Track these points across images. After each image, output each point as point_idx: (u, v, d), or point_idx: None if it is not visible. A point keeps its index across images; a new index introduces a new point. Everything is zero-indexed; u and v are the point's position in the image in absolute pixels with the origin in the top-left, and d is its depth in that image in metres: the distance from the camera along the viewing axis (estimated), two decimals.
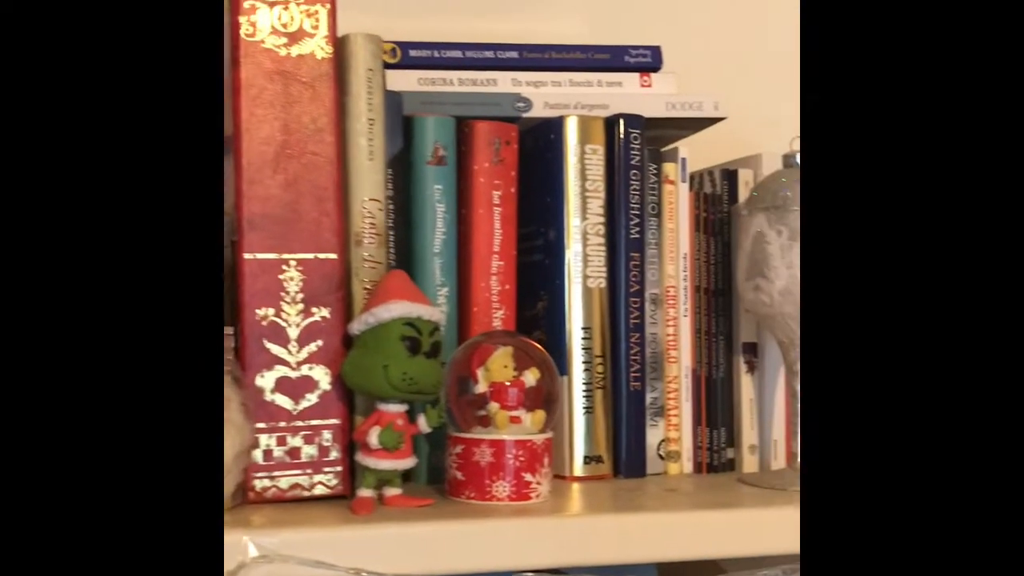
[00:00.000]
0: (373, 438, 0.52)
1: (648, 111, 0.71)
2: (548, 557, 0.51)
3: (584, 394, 0.66)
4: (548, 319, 0.67)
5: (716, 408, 0.71)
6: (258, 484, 0.53)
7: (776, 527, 0.56)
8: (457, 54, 0.68)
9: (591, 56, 0.71)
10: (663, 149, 0.72)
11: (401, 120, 0.64)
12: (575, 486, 0.63)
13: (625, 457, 0.67)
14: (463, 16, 0.83)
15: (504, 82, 0.69)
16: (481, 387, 0.57)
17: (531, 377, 0.58)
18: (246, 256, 0.54)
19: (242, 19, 0.54)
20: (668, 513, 0.55)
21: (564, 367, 0.66)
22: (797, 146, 0.67)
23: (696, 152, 0.80)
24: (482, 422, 0.57)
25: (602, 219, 0.67)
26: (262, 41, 0.54)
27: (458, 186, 0.65)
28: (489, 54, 0.69)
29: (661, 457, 0.69)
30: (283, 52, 0.55)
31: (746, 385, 0.72)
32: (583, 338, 0.66)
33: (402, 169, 0.63)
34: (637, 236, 0.68)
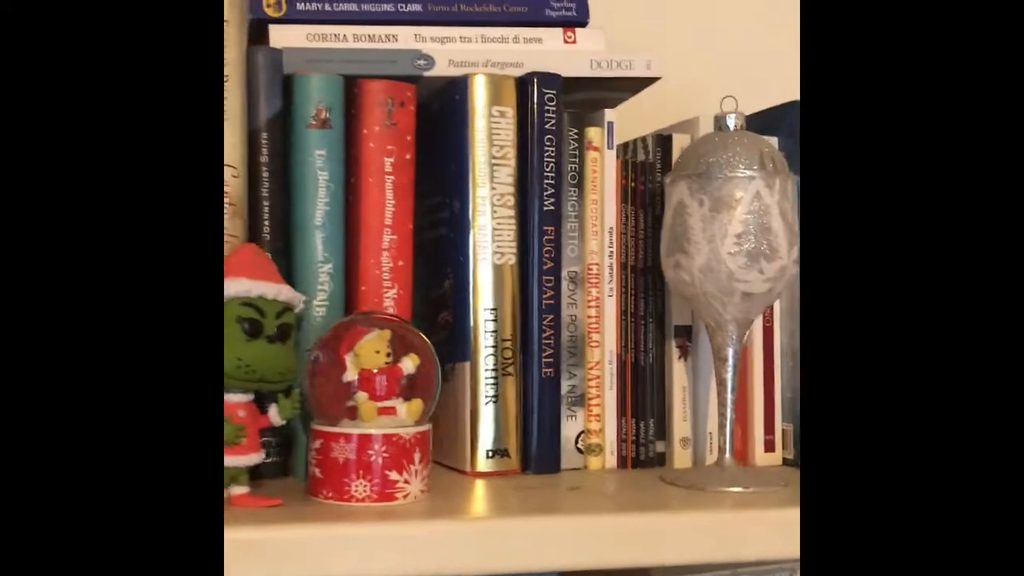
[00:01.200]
0: None
1: (570, 70, 0.64)
2: (400, 567, 0.45)
3: (490, 381, 0.60)
4: (454, 299, 0.61)
5: (644, 397, 0.64)
6: None
7: (681, 531, 0.50)
8: (352, 7, 0.62)
9: (506, 9, 0.65)
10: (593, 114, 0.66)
11: (280, 79, 0.58)
12: (474, 483, 0.57)
13: (536, 451, 0.61)
14: None
15: (406, 38, 0.62)
16: (350, 375, 0.51)
17: (410, 364, 0.52)
18: None
19: None
20: (551, 517, 0.49)
21: (468, 351, 0.60)
22: (729, 107, 0.60)
23: (637, 118, 0.73)
24: (351, 413, 0.51)
25: (511, 189, 0.61)
26: None
27: (346, 152, 0.59)
28: (388, 7, 0.63)
29: (580, 451, 0.63)
30: None
31: (678, 372, 0.65)
32: (489, 320, 0.60)
33: (281, 133, 0.58)
34: (552, 208, 0.62)
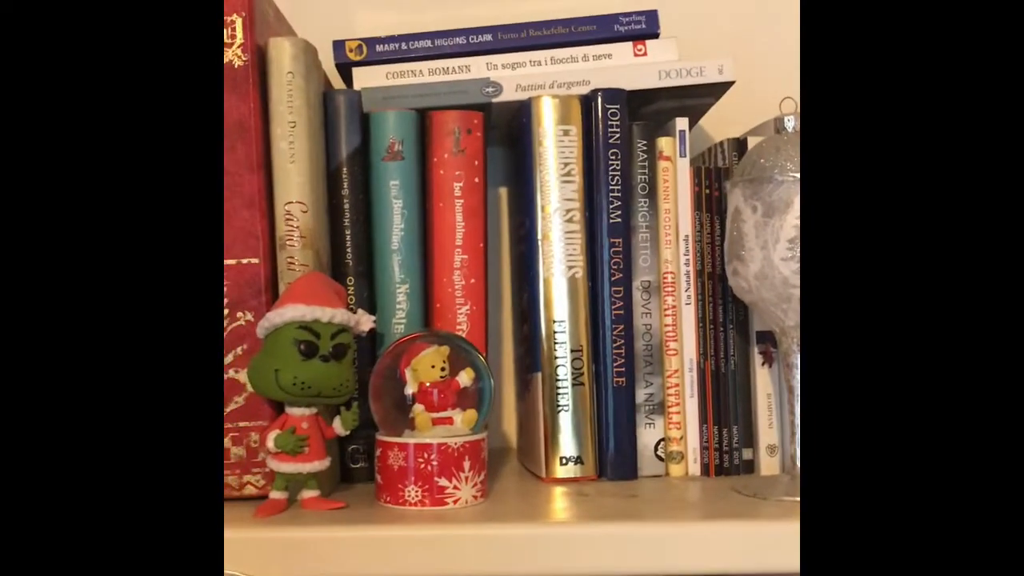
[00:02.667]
0: (270, 442, 0.52)
1: (638, 83, 0.65)
2: (414, 567, 0.49)
3: (562, 391, 0.62)
4: (530, 312, 0.64)
5: (727, 405, 0.64)
6: None
7: (699, 539, 0.49)
8: (426, 43, 0.66)
9: (574, 29, 0.67)
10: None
11: (358, 118, 0.63)
12: (544, 489, 0.60)
13: (611, 458, 0.63)
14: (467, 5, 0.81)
15: (479, 68, 0.66)
16: (410, 388, 0.55)
17: (465, 378, 0.56)
18: None
19: None
20: (572, 525, 0.50)
21: (539, 362, 0.63)
22: (788, 108, 0.59)
23: (723, 124, 0.73)
24: (412, 424, 0.55)
25: (578, 204, 0.63)
26: None
27: (419, 180, 0.63)
28: (460, 40, 0.66)
29: (660, 458, 0.64)
30: None
31: (762, 379, 0.64)
32: (558, 332, 0.62)
33: (360, 168, 0.63)
34: (619, 220, 0.63)
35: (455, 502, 0.53)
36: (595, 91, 0.64)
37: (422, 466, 0.53)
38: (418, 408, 0.55)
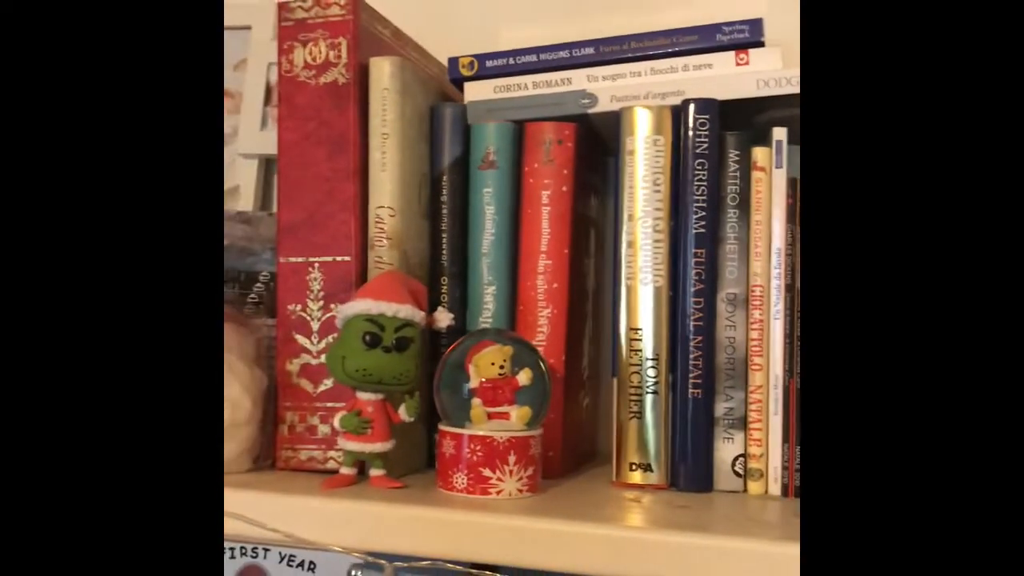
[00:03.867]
0: (336, 421, 0.58)
1: (735, 92, 0.64)
2: (454, 548, 0.52)
3: (634, 398, 0.63)
4: (612, 318, 0.66)
5: None
6: (283, 454, 0.63)
7: (713, 559, 0.49)
8: (531, 58, 0.69)
9: (676, 40, 0.67)
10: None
11: (462, 129, 0.68)
12: (606, 492, 0.61)
13: (683, 469, 0.62)
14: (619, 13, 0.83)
15: (579, 80, 0.68)
16: (472, 382, 0.59)
17: (524, 377, 0.59)
18: (281, 260, 0.63)
19: (282, 58, 0.64)
20: (583, 524, 0.51)
21: (615, 367, 0.64)
22: None
23: None
24: (470, 416, 0.59)
25: (663, 214, 0.63)
26: (297, 75, 0.63)
27: (512, 188, 0.67)
28: (564, 53, 0.69)
29: (738, 474, 0.63)
30: (312, 83, 0.63)
31: None
32: (635, 339, 0.63)
33: (460, 176, 0.67)
34: (703, 230, 0.63)
35: (498, 493, 0.56)
36: (686, 101, 0.64)
37: (469, 456, 0.56)
38: (476, 402, 0.58)
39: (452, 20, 0.88)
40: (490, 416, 0.58)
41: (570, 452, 0.68)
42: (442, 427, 0.58)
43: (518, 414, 0.58)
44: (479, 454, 0.56)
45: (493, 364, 0.59)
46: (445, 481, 0.57)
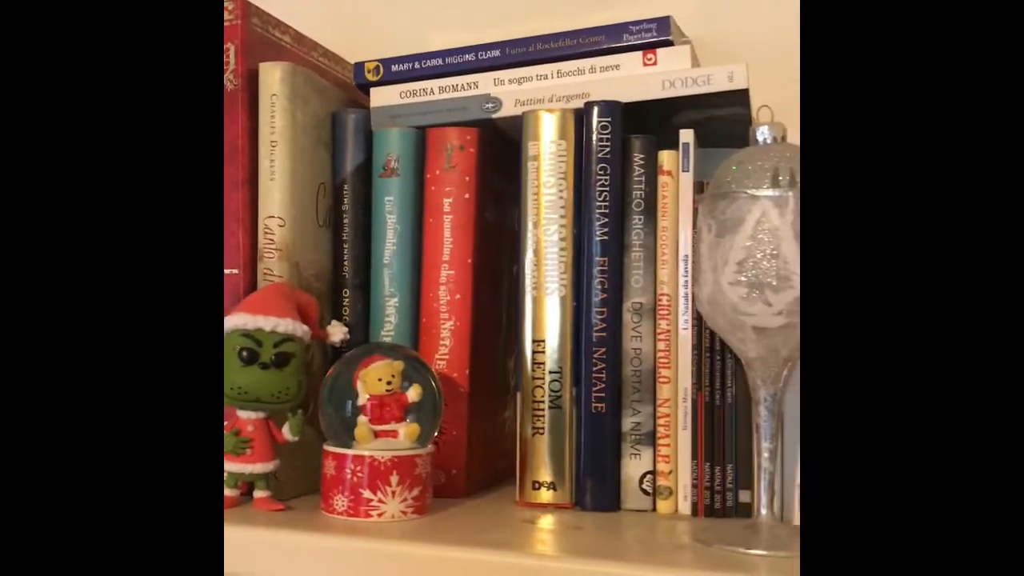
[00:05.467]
0: None
1: (640, 94, 0.62)
2: (327, 574, 0.50)
3: (538, 413, 0.60)
4: (517, 330, 0.63)
5: (723, 440, 0.59)
6: None
7: None
8: (437, 61, 0.67)
9: (582, 41, 0.64)
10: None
11: (364, 136, 0.66)
12: (504, 514, 0.58)
13: (587, 487, 0.60)
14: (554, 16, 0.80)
15: (486, 83, 0.66)
16: (361, 399, 0.57)
17: (413, 393, 0.56)
18: None
19: None
20: (446, 548, 0.48)
21: (519, 382, 0.61)
22: (765, 118, 0.53)
23: None
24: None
25: (565, 221, 0.61)
26: None
27: (414, 196, 0.64)
28: (469, 56, 0.66)
29: (646, 492, 0.60)
30: None
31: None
32: (538, 351, 0.61)
33: (362, 184, 0.65)
34: (606, 238, 0.60)
35: (380, 515, 0.54)
36: (588, 103, 0.61)
37: (349, 476, 0.54)
38: (361, 419, 0.56)
39: (381, 26, 0.86)
40: (377, 435, 0.56)
41: (480, 470, 0.65)
42: (326, 447, 0.56)
43: (406, 431, 0.56)
44: (359, 475, 0.54)
45: (380, 380, 0.56)
46: (327, 503, 0.55)
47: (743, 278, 0.49)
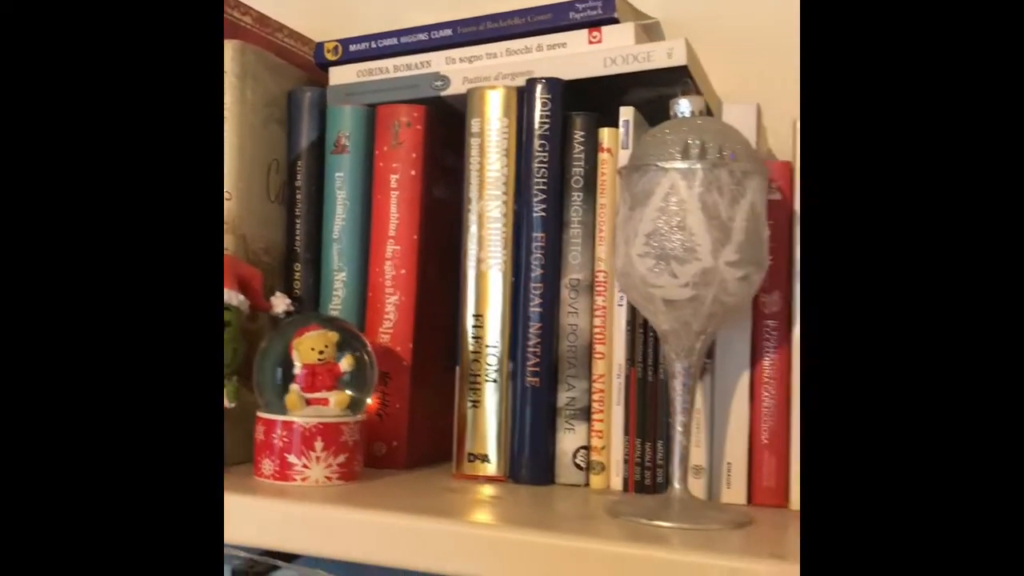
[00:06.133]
0: None
1: (583, 71, 0.62)
2: (251, 535, 0.51)
3: (473, 386, 0.61)
4: (457, 305, 0.64)
5: (654, 417, 0.59)
6: None
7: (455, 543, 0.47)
8: (392, 41, 0.68)
9: (530, 20, 0.65)
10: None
11: (318, 114, 0.67)
12: (434, 483, 0.59)
13: (519, 461, 0.60)
14: None
15: (438, 62, 0.67)
16: (296, 368, 0.58)
17: (346, 363, 0.58)
18: None
19: None
20: (357, 510, 0.50)
21: (457, 356, 0.62)
22: (686, 90, 0.53)
23: None
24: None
25: (506, 197, 0.61)
26: None
27: (364, 173, 0.66)
28: (423, 36, 0.67)
29: (579, 467, 0.60)
30: None
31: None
32: (475, 325, 0.61)
33: (316, 161, 0.67)
34: (544, 214, 0.60)
35: (303, 480, 0.55)
36: (531, 81, 0.62)
37: (276, 442, 0.55)
38: (293, 387, 0.57)
39: (353, 7, 0.87)
40: (309, 402, 0.57)
41: (426, 444, 0.66)
42: (258, 413, 0.58)
43: (336, 400, 0.57)
44: (286, 440, 0.55)
45: (314, 349, 0.57)
46: (257, 468, 0.57)
47: (651, 250, 0.50)
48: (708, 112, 0.53)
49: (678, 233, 0.49)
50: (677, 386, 0.52)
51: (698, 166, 0.49)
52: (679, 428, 0.52)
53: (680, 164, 0.49)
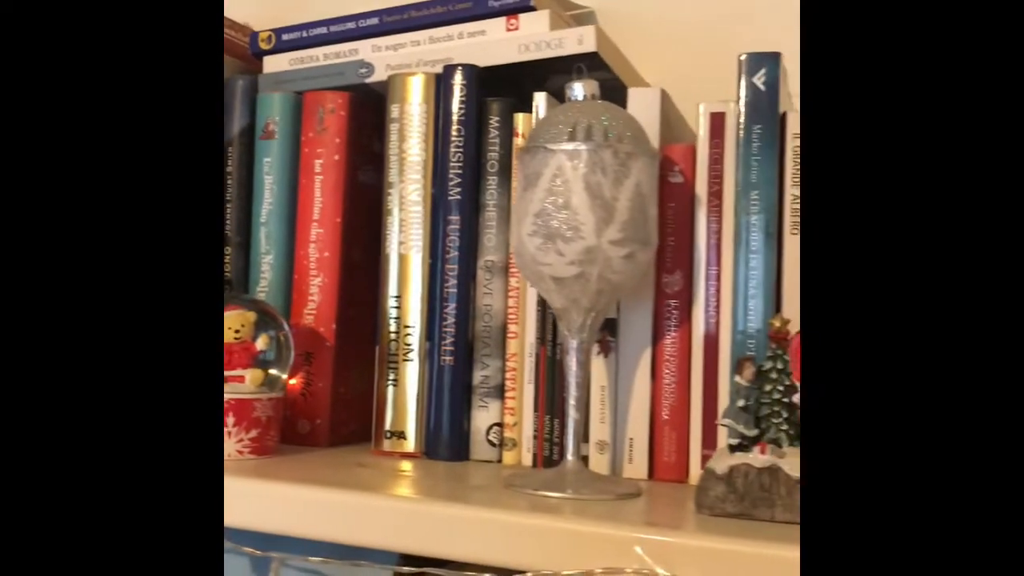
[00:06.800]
0: None
1: (500, 58, 0.64)
2: None
3: (391, 365, 0.63)
4: (378, 286, 0.65)
5: (560, 393, 0.60)
6: None
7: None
8: (322, 30, 0.70)
9: (452, 8, 0.66)
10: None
11: (249, 101, 0.69)
12: (349, 459, 0.61)
13: (434, 437, 0.62)
14: None
15: (366, 50, 0.68)
16: None
17: (261, 343, 0.59)
18: None
19: None
20: (270, 483, 0.51)
21: (378, 336, 0.64)
22: (579, 74, 0.55)
23: None
24: None
25: (424, 181, 0.63)
26: None
27: (291, 158, 0.67)
28: (351, 25, 0.69)
29: (492, 443, 0.62)
30: None
31: (598, 370, 0.59)
32: (393, 306, 0.63)
33: (246, 147, 0.69)
34: (459, 198, 0.62)
35: None
36: (448, 67, 0.63)
37: None
38: None
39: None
40: (226, 380, 0.59)
41: (351, 423, 0.67)
42: None
43: (251, 377, 0.59)
44: None
45: (230, 328, 0.59)
46: None
47: (539, 229, 0.51)
48: (606, 97, 0.55)
49: (563, 212, 0.50)
50: (571, 362, 0.54)
51: (583, 147, 0.50)
52: (572, 403, 0.54)
53: (566, 146, 0.51)
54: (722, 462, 0.47)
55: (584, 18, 0.76)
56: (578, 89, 0.54)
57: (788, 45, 0.63)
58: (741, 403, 0.48)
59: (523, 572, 0.45)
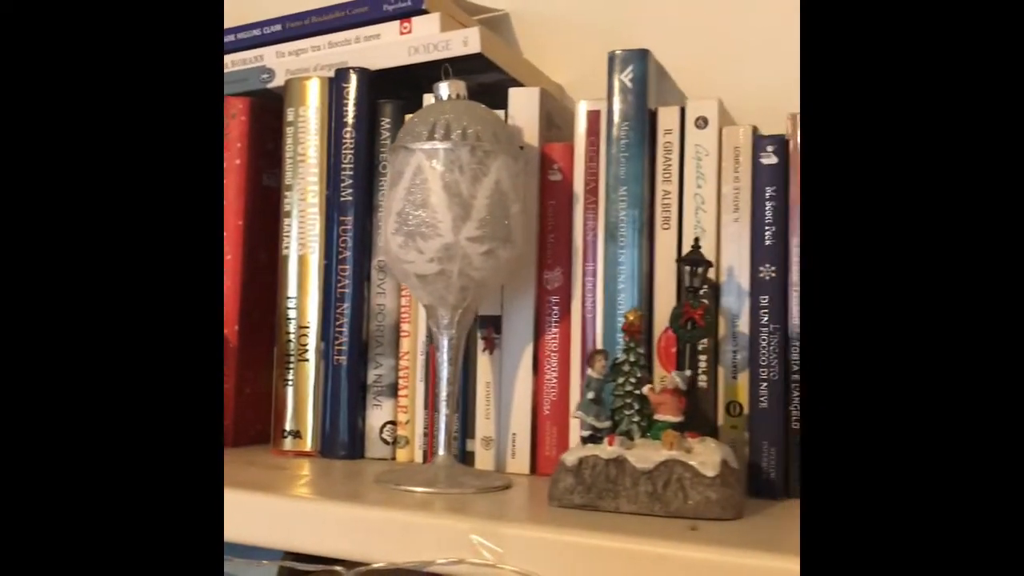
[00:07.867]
0: None
1: (389, 60, 0.65)
2: None
3: (289, 366, 0.64)
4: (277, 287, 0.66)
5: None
6: None
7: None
8: (230, 37, 0.71)
9: (349, 13, 0.67)
10: None
11: None
12: (253, 458, 0.62)
13: (334, 437, 0.63)
14: None
15: (270, 56, 0.70)
16: None
17: None
18: None
19: None
20: None
21: (276, 336, 0.65)
22: (445, 77, 0.56)
23: None
24: None
25: (317, 184, 0.64)
26: None
27: None
28: (256, 32, 0.70)
29: (385, 441, 0.63)
30: None
31: (483, 366, 0.60)
32: (291, 308, 0.64)
33: None
34: (349, 198, 0.63)
35: None
36: (339, 71, 0.64)
37: None
38: None
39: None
40: None
41: (257, 423, 0.68)
42: None
43: None
44: None
45: None
46: None
47: (400, 227, 0.52)
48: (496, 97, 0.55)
49: (421, 210, 0.51)
50: (442, 359, 0.54)
51: (440, 146, 0.51)
52: (443, 399, 0.55)
53: (424, 145, 0.52)
54: (573, 454, 0.48)
55: (496, 21, 0.77)
56: (443, 89, 0.55)
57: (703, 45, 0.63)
58: (591, 395, 0.49)
59: (367, 564, 0.45)
